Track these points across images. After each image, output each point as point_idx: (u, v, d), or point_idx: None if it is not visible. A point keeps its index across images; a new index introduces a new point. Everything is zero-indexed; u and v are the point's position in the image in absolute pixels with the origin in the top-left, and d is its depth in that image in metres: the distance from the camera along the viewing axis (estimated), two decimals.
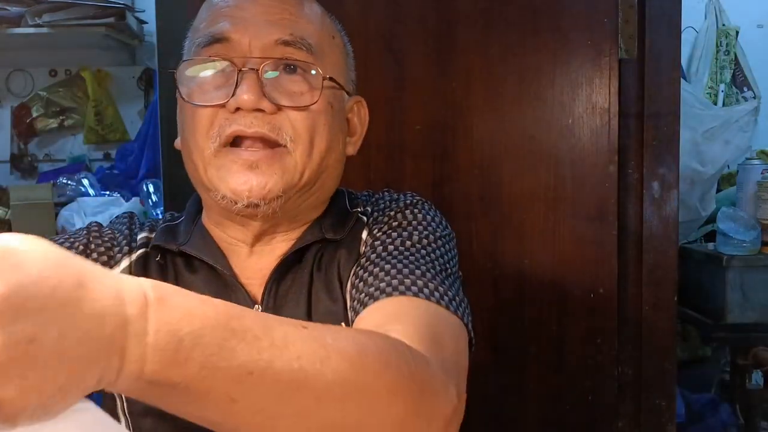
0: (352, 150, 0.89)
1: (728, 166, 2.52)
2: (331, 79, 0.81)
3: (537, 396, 1.53)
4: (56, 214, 2.29)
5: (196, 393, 0.45)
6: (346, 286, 0.82)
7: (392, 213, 0.85)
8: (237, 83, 0.76)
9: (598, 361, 1.52)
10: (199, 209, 0.90)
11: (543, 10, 1.50)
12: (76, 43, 2.64)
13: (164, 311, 0.44)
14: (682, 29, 1.55)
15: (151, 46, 2.64)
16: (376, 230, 0.84)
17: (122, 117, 2.78)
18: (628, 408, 1.54)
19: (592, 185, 1.51)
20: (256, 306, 0.82)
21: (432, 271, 0.76)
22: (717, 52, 2.74)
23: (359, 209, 0.89)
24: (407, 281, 0.73)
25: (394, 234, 0.82)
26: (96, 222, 0.92)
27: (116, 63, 2.77)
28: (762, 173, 2.08)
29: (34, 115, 2.75)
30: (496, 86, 1.51)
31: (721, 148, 2.36)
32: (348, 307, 0.81)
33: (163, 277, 0.85)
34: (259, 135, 0.77)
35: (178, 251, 0.85)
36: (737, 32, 2.75)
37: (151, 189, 2.50)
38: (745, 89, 2.77)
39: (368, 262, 0.79)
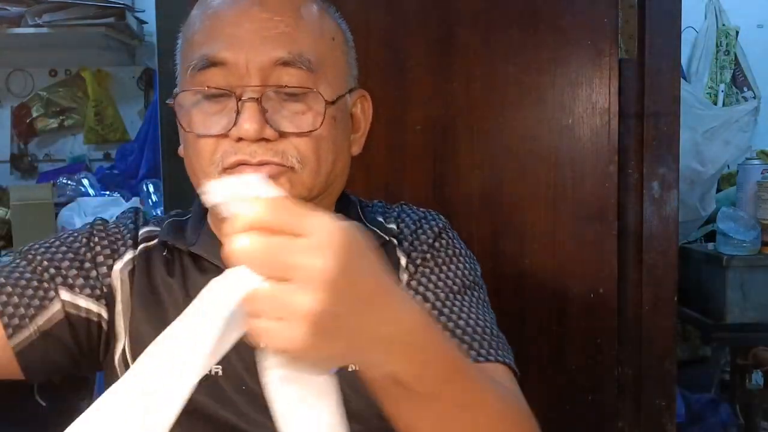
0: (356, 149, 0.88)
1: (728, 166, 2.52)
2: (333, 102, 0.79)
3: (537, 396, 1.53)
4: (56, 214, 2.29)
5: (428, 397, 0.58)
6: None
7: (431, 241, 0.88)
8: (238, 111, 0.74)
9: (598, 361, 1.52)
10: (205, 210, 0.90)
11: (543, 10, 1.50)
12: (76, 43, 2.64)
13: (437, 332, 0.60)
14: (682, 29, 1.55)
15: (151, 46, 2.64)
16: (420, 261, 0.86)
17: (122, 117, 2.78)
18: (628, 408, 1.53)
19: (592, 185, 1.51)
20: None
21: (489, 316, 0.86)
22: (717, 52, 2.74)
23: (383, 225, 0.90)
24: (485, 344, 0.82)
25: (450, 274, 0.87)
26: (101, 218, 0.92)
27: (116, 63, 2.77)
28: (762, 173, 2.08)
29: (34, 115, 2.75)
30: (497, 86, 1.51)
31: (721, 148, 2.36)
32: None
33: (169, 273, 0.85)
34: (264, 163, 0.75)
35: (187, 251, 0.85)
36: (737, 32, 2.75)
37: (151, 189, 2.50)
38: (745, 89, 2.77)
39: (434, 309, 0.83)
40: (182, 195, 1.66)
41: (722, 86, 2.72)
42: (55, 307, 0.80)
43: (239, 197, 0.50)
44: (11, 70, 2.77)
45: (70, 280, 0.82)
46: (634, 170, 1.53)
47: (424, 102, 1.51)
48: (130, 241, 0.87)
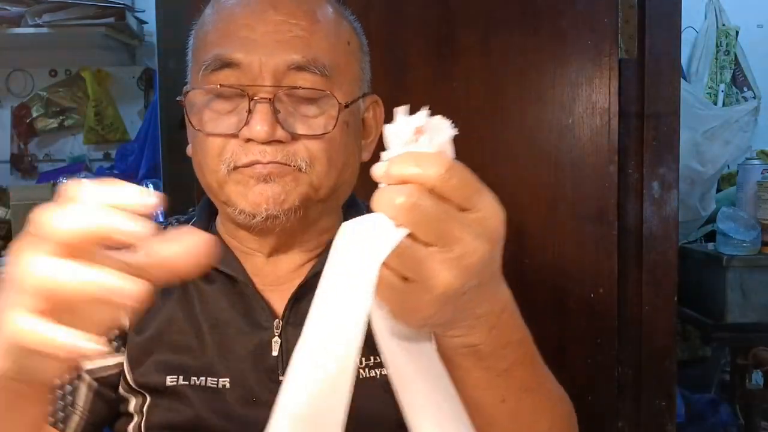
0: (367, 155, 0.87)
1: (728, 166, 2.52)
2: (346, 105, 0.78)
3: None
4: None
5: (499, 373, 0.61)
6: None
7: None
8: (249, 111, 0.74)
9: (598, 361, 1.52)
10: (210, 215, 0.88)
11: (543, 10, 1.50)
12: (76, 43, 2.64)
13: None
14: (682, 29, 1.55)
15: (151, 46, 2.64)
16: None
17: (122, 117, 2.78)
18: (628, 408, 1.53)
19: (592, 185, 1.51)
20: (276, 320, 0.81)
21: None
22: (717, 52, 2.74)
23: None
24: None
25: None
26: None
27: (116, 63, 2.77)
28: (762, 173, 2.08)
29: (34, 115, 2.75)
30: (497, 86, 1.51)
31: (721, 148, 2.36)
32: None
33: (171, 288, 0.82)
34: (274, 162, 0.75)
35: None
36: (737, 32, 2.75)
37: (151, 189, 2.51)
38: (745, 89, 2.77)
39: None
40: (182, 195, 1.66)
41: (722, 86, 2.72)
42: (85, 383, 0.80)
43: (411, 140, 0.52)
44: (11, 70, 2.77)
45: None
46: (634, 170, 1.53)
47: (424, 102, 1.50)
48: None
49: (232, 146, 0.76)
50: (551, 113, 1.51)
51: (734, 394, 2.23)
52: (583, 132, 1.51)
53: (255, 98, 0.74)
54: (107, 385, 0.81)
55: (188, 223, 0.88)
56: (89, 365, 0.80)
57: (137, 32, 2.64)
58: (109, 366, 0.81)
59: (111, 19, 2.43)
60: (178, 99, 0.80)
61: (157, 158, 2.32)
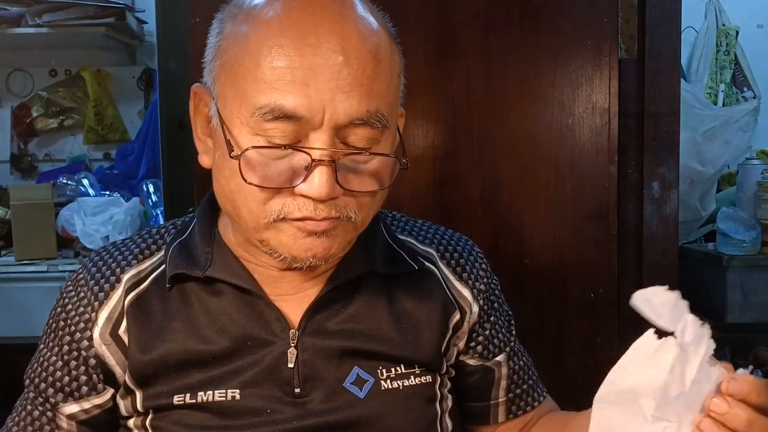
0: None
1: (728, 166, 2.51)
2: (405, 162, 0.76)
3: None
4: (56, 214, 2.29)
5: None
6: (425, 333, 0.84)
7: (484, 278, 0.92)
8: (309, 169, 0.69)
9: (598, 361, 1.52)
10: (213, 219, 0.85)
11: (543, 10, 1.50)
12: (76, 43, 2.64)
13: None
14: (682, 29, 1.55)
15: (151, 46, 2.64)
16: (486, 303, 0.90)
17: (122, 117, 2.78)
18: None
19: (592, 185, 1.51)
20: (292, 331, 0.79)
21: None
22: (717, 52, 2.74)
23: (416, 248, 0.90)
24: (539, 382, 0.98)
25: (507, 324, 0.94)
26: (70, 278, 0.86)
27: (116, 63, 2.77)
28: (762, 173, 2.08)
29: (34, 115, 2.75)
30: (497, 86, 1.51)
31: (721, 148, 2.36)
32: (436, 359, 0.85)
33: (172, 308, 0.80)
34: (326, 218, 0.72)
35: (203, 277, 0.80)
36: (737, 32, 2.75)
37: (151, 189, 2.51)
38: (745, 89, 2.76)
39: (509, 356, 0.93)
40: (182, 195, 1.66)
41: (722, 86, 2.72)
42: (63, 428, 0.81)
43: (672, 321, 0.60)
44: (11, 70, 2.77)
45: (67, 389, 0.81)
46: (634, 170, 1.53)
47: (424, 102, 1.51)
48: (96, 303, 0.81)
49: (282, 197, 0.71)
50: (551, 113, 1.51)
51: None
52: (583, 132, 1.51)
53: (316, 159, 0.69)
54: (94, 424, 0.82)
55: (188, 228, 0.85)
56: (70, 410, 0.81)
57: (137, 32, 2.64)
58: (88, 408, 0.81)
59: (111, 19, 2.43)
60: (232, 155, 0.70)
61: (157, 158, 2.32)
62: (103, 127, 2.74)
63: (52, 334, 0.83)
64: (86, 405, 0.81)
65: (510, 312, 0.96)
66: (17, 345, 1.78)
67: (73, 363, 0.81)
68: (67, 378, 0.81)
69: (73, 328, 0.81)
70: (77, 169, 2.68)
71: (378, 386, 0.80)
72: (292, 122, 0.68)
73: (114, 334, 0.80)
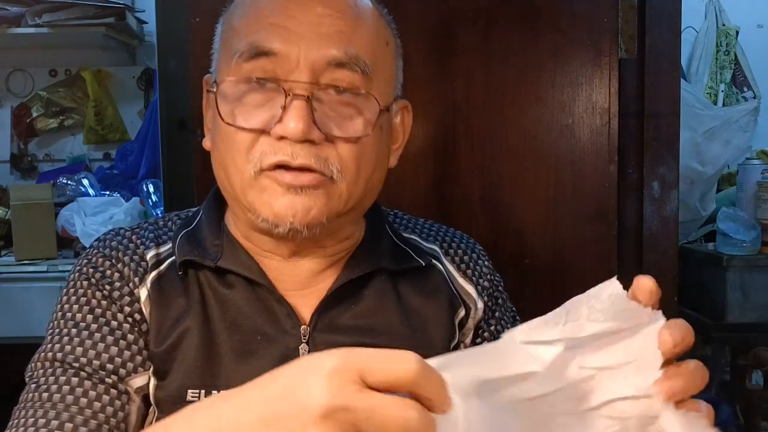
0: (393, 161, 0.83)
1: (728, 166, 2.52)
2: (386, 109, 0.75)
3: None
4: (56, 214, 2.29)
5: None
6: (434, 329, 0.83)
7: (487, 275, 0.90)
8: (284, 108, 0.69)
9: None
10: (220, 212, 0.84)
11: (543, 10, 1.50)
12: (76, 43, 2.64)
13: None
14: (682, 29, 1.55)
15: (151, 46, 2.64)
16: (491, 300, 0.89)
17: (122, 117, 2.78)
18: None
19: (592, 185, 1.51)
20: (303, 327, 0.78)
21: None
22: (717, 52, 2.74)
23: (420, 244, 0.89)
24: None
25: (512, 321, 0.91)
26: (84, 261, 0.81)
27: (116, 63, 2.77)
28: (762, 173, 2.08)
29: (34, 115, 2.75)
30: (497, 86, 1.51)
31: (721, 148, 2.36)
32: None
33: (188, 297, 0.78)
34: (304, 167, 0.70)
35: (215, 267, 0.78)
36: (737, 32, 2.75)
37: (151, 189, 2.51)
38: (745, 89, 2.77)
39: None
40: (182, 195, 1.66)
41: (722, 86, 2.72)
42: (136, 404, 0.76)
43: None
44: (11, 70, 2.77)
45: (130, 364, 0.76)
46: (634, 170, 1.53)
47: (424, 102, 1.51)
48: (136, 280, 0.79)
49: (261, 144, 0.71)
50: (551, 113, 1.51)
51: (734, 394, 2.23)
52: (583, 132, 1.51)
53: (292, 94, 0.69)
54: (146, 401, 0.78)
55: (194, 220, 0.84)
56: (138, 383, 0.76)
57: (137, 32, 2.64)
58: (146, 383, 0.77)
59: (111, 19, 2.43)
60: (208, 90, 0.75)
61: (157, 158, 2.32)
62: (103, 127, 2.74)
63: (89, 313, 0.77)
64: (147, 378, 0.77)
65: (514, 309, 0.95)
66: (17, 345, 1.78)
67: (131, 336, 0.76)
68: (127, 352, 0.76)
69: (126, 299, 0.77)
70: (77, 169, 2.68)
71: None
72: (270, 60, 0.70)
73: (150, 310, 0.78)
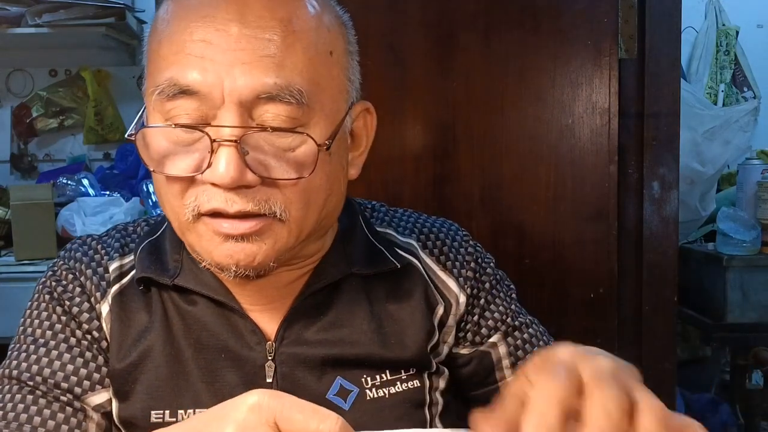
0: (355, 172, 0.77)
1: (728, 166, 2.52)
2: (327, 147, 0.66)
3: None
4: (56, 214, 2.29)
5: None
6: (409, 333, 0.79)
7: (470, 263, 0.86)
8: (212, 151, 0.62)
9: None
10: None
11: (543, 10, 1.50)
12: (76, 43, 2.64)
13: None
14: (682, 29, 1.55)
15: None
16: (476, 290, 0.85)
17: (122, 117, 2.78)
18: None
19: (592, 185, 1.51)
20: (269, 343, 0.74)
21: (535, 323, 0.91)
22: (717, 52, 2.74)
23: (397, 239, 0.84)
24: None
25: (507, 300, 0.88)
26: (49, 274, 0.79)
27: (116, 63, 2.77)
28: (762, 173, 2.08)
29: (34, 115, 2.75)
30: (497, 86, 1.51)
31: (721, 148, 2.36)
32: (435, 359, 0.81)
33: (150, 315, 0.75)
34: (242, 213, 0.64)
35: (171, 285, 0.75)
36: (737, 32, 2.75)
37: (151, 189, 2.50)
38: (745, 89, 2.77)
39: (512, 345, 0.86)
40: None
41: (722, 86, 2.72)
42: (94, 422, 0.73)
43: None
44: (11, 70, 2.77)
45: (86, 382, 0.73)
46: (634, 170, 1.53)
47: (424, 102, 1.51)
48: (98, 295, 0.76)
49: (194, 189, 0.65)
50: (551, 113, 1.51)
51: (734, 394, 2.23)
52: (583, 132, 1.51)
53: (219, 140, 0.62)
54: (109, 419, 0.75)
55: (159, 228, 0.81)
56: (95, 401, 0.73)
57: (137, 32, 2.64)
58: (106, 401, 0.75)
59: (111, 19, 2.43)
60: (127, 135, 0.67)
61: None
62: (103, 127, 2.74)
63: (48, 329, 0.76)
64: (108, 395, 0.75)
65: (512, 286, 0.91)
66: None
67: (88, 354, 0.74)
68: (84, 370, 0.74)
69: (85, 315, 0.75)
70: (77, 169, 2.68)
71: (363, 396, 0.76)
72: (193, 99, 0.63)
73: (110, 327, 0.76)
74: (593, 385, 0.46)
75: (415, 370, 0.79)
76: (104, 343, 0.75)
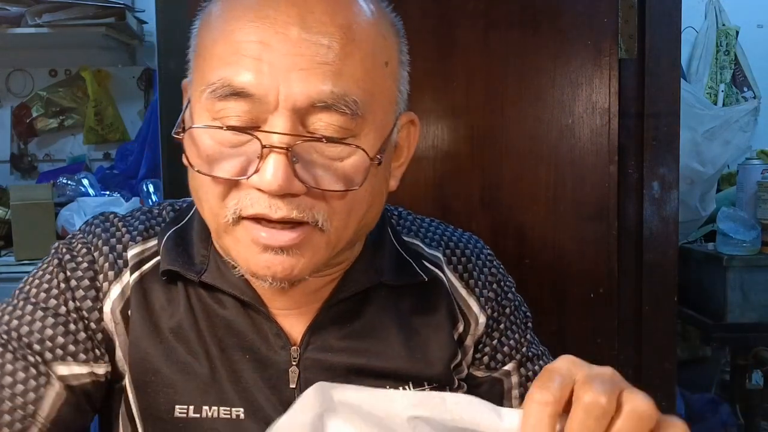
0: (394, 183, 0.74)
1: (728, 166, 2.52)
2: (378, 162, 0.65)
3: None
4: (56, 214, 2.29)
5: None
6: (434, 348, 0.78)
7: (493, 284, 0.85)
8: (261, 156, 0.60)
9: (598, 361, 1.51)
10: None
11: (543, 10, 1.50)
12: (76, 43, 2.64)
13: None
14: (682, 29, 1.55)
15: (151, 46, 2.64)
16: (496, 313, 0.84)
17: (122, 117, 2.78)
18: None
19: (592, 185, 1.51)
20: (293, 348, 0.73)
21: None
22: (717, 52, 2.75)
23: (424, 252, 0.83)
24: None
25: (522, 328, 0.87)
26: (64, 241, 0.77)
27: (116, 63, 2.77)
28: (762, 173, 2.08)
29: (34, 115, 2.75)
30: (497, 86, 1.51)
31: (721, 148, 2.36)
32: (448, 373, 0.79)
33: (174, 305, 0.74)
34: (285, 219, 0.63)
35: (198, 282, 0.73)
36: (737, 32, 2.75)
37: (151, 189, 2.51)
38: (745, 89, 2.77)
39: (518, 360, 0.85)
40: (182, 196, 1.66)
41: (722, 86, 2.72)
42: (54, 390, 0.70)
43: None
44: (11, 70, 2.77)
45: (59, 351, 0.71)
46: (634, 170, 1.53)
47: (424, 102, 1.51)
48: (111, 273, 0.74)
49: (238, 192, 0.63)
50: (551, 113, 1.51)
51: (734, 394, 2.23)
52: (583, 132, 1.51)
53: (270, 145, 0.60)
54: (80, 394, 0.72)
55: (185, 215, 0.79)
56: (62, 371, 0.71)
57: (137, 32, 2.64)
58: (82, 374, 0.72)
59: (111, 19, 2.43)
60: (174, 133, 0.66)
61: (157, 158, 2.32)
62: (103, 127, 2.74)
63: (44, 292, 0.74)
64: (79, 370, 0.72)
65: (528, 314, 0.90)
66: None
67: (72, 326, 0.72)
68: (61, 339, 0.72)
69: (81, 292, 0.73)
70: (77, 169, 2.69)
71: None
72: (245, 101, 0.61)
73: (124, 313, 0.73)
74: (579, 387, 0.47)
75: (437, 385, 0.78)
76: (99, 323, 0.73)
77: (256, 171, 0.61)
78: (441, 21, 1.51)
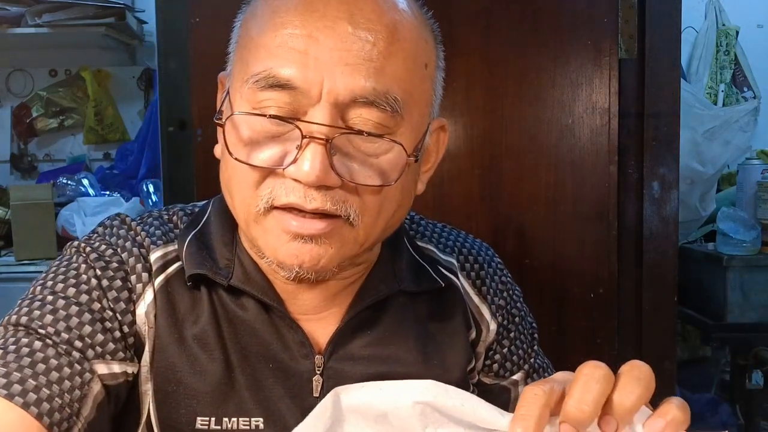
0: (421, 187, 0.76)
1: (728, 166, 2.52)
2: (415, 159, 0.66)
3: None
4: (56, 214, 2.29)
5: None
6: (450, 354, 0.78)
7: (503, 292, 0.86)
8: (300, 148, 0.61)
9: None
10: (233, 223, 0.75)
11: (543, 10, 1.50)
12: (76, 43, 2.64)
13: None
14: (682, 29, 1.55)
15: (151, 46, 2.64)
16: (506, 320, 0.85)
17: (122, 117, 2.78)
18: None
19: (592, 185, 1.51)
20: (318, 356, 0.72)
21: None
22: (717, 52, 2.75)
23: (439, 258, 0.83)
24: None
25: (529, 339, 0.88)
26: (84, 241, 0.74)
27: (116, 63, 2.77)
28: (762, 173, 2.08)
29: (34, 115, 2.75)
30: (497, 86, 1.51)
31: (721, 148, 2.36)
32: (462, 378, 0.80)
33: (198, 311, 0.72)
34: (319, 211, 0.63)
35: (227, 285, 0.72)
36: (737, 32, 2.75)
37: (151, 189, 2.51)
38: (745, 89, 2.77)
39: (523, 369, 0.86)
40: (182, 195, 1.66)
41: (722, 86, 2.73)
42: (96, 388, 0.67)
43: None
44: (11, 70, 2.77)
45: (99, 349, 0.68)
46: (634, 170, 1.53)
47: None
48: (145, 274, 0.72)
49: (273, 181, 0.64)
50: (551, 113, 1.51)
51: (734, 394, 2.23)
52: (583, 132, 1.51)
53: (309, 136, 0.61)
54: (114, 395, 0.69)
55: (201, 219, 0.77)
56: (102, 369, 0.67)
57: (137, 32, 2.64)
58: (118, 374, 0.69)
59: (111, 19, 2.43)
60: (215, 120, 0.66)
61: (157, 158, 2.32)
62: (103, 127, 2.74)
63: (73, 287, 0.70)
64: (116, 368, 0.69)
65: (534, 325, 0.90)
66: None
67: (108, 324, 0.69)
68: (101, 336, 0.68)
69: (114, 293, 0.70)
70: (77, 169, 2.69)
71: None
72: (288, 93, 0.62)
73: (155, 317, 0.71)
74: (576, 371, 0.50)
75: None
76: (130, 326, 0.71)
77: (294, 161, 0.61)
78: (441, 21, 1.51)
